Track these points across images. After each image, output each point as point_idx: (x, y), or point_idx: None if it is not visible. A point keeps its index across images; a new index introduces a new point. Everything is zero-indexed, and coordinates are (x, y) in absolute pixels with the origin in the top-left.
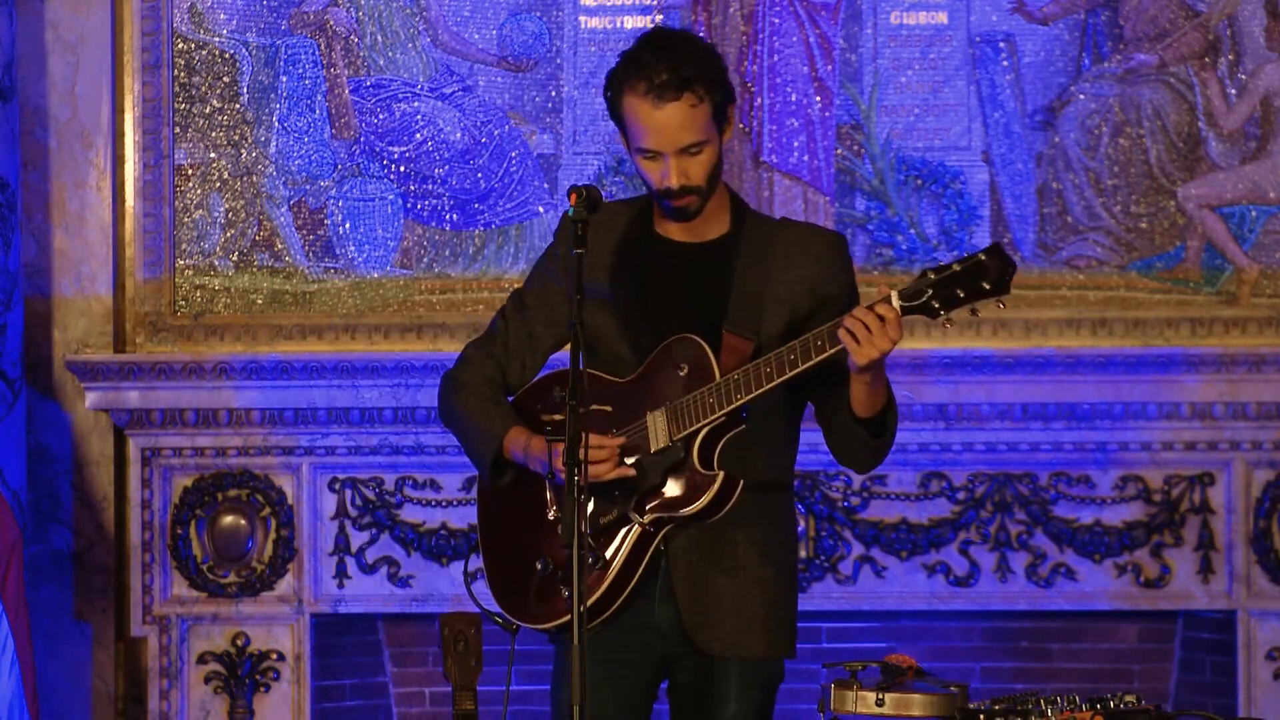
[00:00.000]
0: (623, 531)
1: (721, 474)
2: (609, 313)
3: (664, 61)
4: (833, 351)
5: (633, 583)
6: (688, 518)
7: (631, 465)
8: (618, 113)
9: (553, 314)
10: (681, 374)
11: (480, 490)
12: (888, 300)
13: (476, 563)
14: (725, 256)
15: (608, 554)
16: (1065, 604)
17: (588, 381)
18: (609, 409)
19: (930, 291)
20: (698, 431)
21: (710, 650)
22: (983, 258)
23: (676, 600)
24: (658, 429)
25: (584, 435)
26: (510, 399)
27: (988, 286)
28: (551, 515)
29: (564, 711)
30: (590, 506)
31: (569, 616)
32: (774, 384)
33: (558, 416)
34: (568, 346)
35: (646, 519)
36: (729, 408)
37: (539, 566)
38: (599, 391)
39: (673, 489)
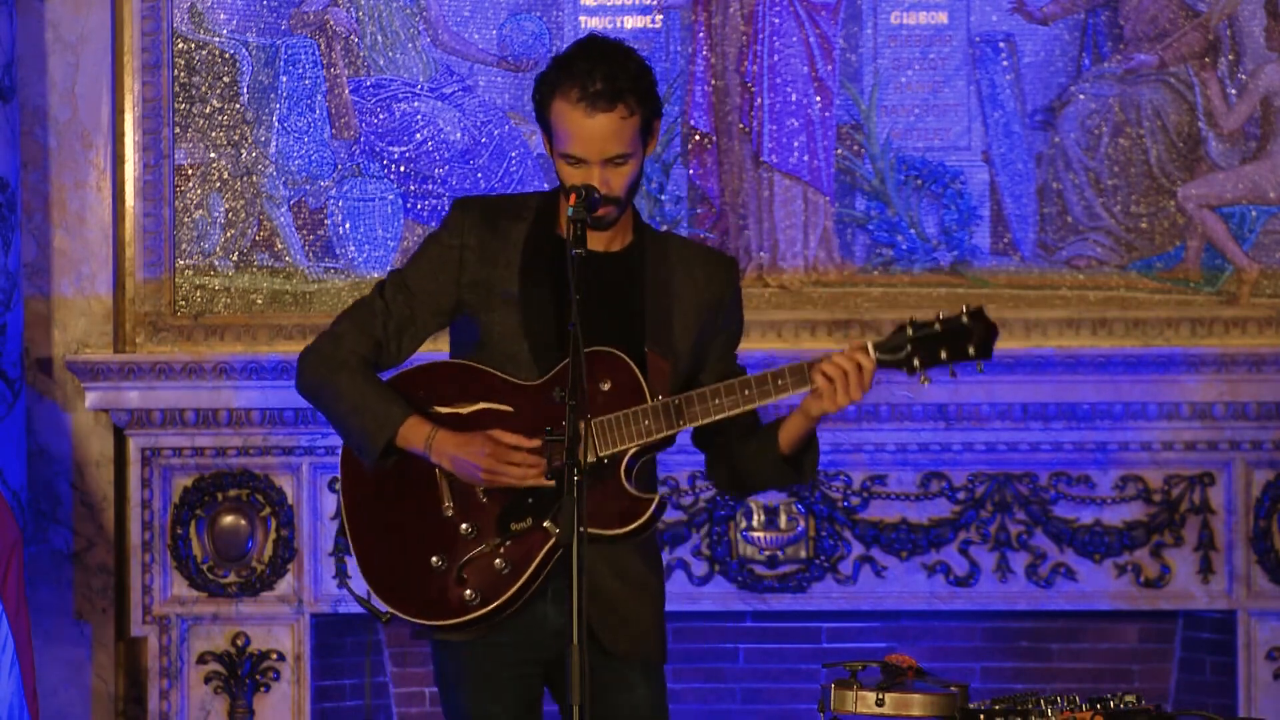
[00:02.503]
0: (535, 540)
1: (657, 497)
2: (514, 311)
3: (599, 70)
4: (794, 393)
5: (534, 588)
6: (615, 538)
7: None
8: (545, 116)
9: (439, 302)
10: (604, 389)
11: (349, 476)
12: (865, 350)
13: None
14: (633, 268)
15: (517, 562)
16: (1065, 604)
17: (482, 380)
18: (510, 409)
19: (909, 348)
20: (626, 450)
21: (618, 653)
22: (965, 320)
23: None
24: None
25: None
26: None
27: (971, 351)
28: (447, 511)
29: (461, 713)
30: (498, 509)
31: (469, 615)
32: (725, 416)
33: (447, 410)
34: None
35: (560, 532)
36: (670, 432)
37: (436, 562)
38: (498, 391)
39: (597, 506)
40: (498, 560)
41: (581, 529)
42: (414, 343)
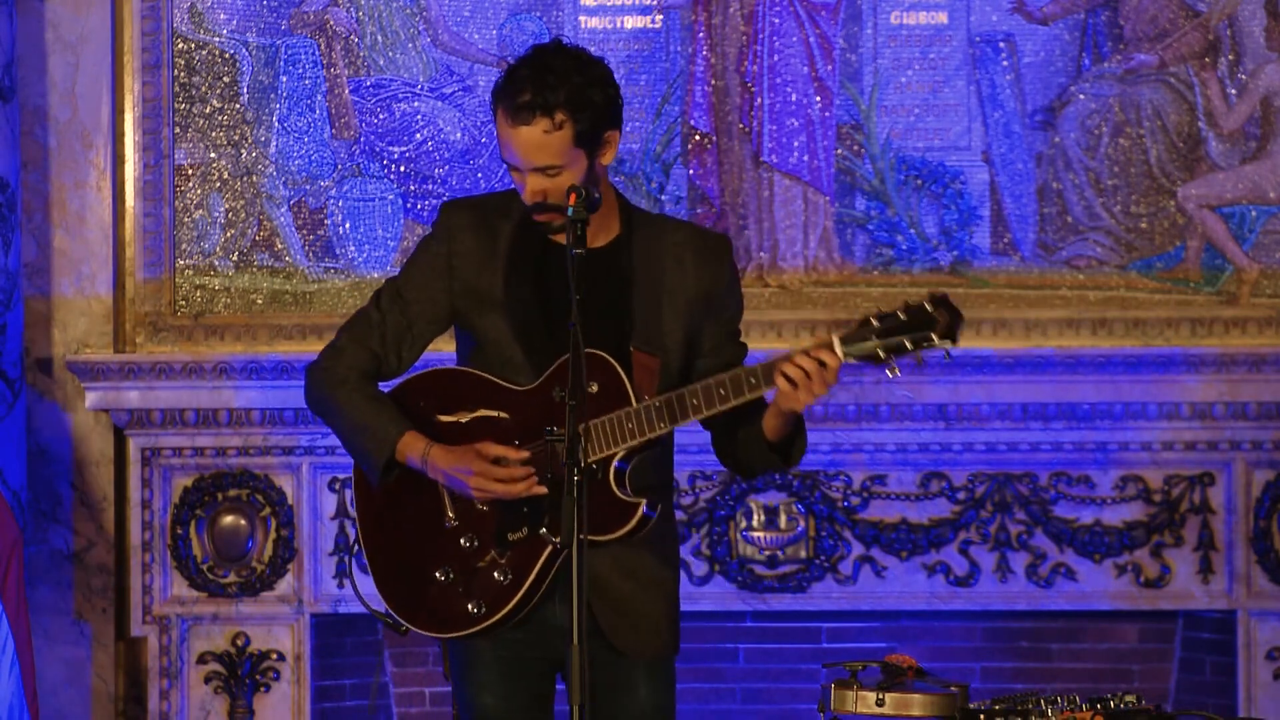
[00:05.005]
0: (533, 548)
1: (644, 502)
2: (502, 316)
3: (530, 83)
4: (766, 390)
5: (537, 595)
6: (609, 543)
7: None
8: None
9: (434, 309)
10: (591, 392)
11: (360, 488)
12: (830, 346)
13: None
14: (620, 262)
15: (517, 571)
16: (1065, 604)
17: (479, 386)
18: (506, 415)
19: (875, 340)
20: (613, 455)
21: (630, 652)
22: (929, 308)
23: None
24: None
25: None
26: (384, 390)
27: (935, 337)
28: (449, 523)
29: (473, 707)
30: (495, 519)
31: (476, 627)
32: (699, 417)
33: (448, 418)
34: (441, 343)
35: (559, 539)
36: (651, 435)
37: (440, 576)
38: (494, 397)
39: (589, 512)
40: (497, 572)
41: (582, 535)
42: (414, 351)
